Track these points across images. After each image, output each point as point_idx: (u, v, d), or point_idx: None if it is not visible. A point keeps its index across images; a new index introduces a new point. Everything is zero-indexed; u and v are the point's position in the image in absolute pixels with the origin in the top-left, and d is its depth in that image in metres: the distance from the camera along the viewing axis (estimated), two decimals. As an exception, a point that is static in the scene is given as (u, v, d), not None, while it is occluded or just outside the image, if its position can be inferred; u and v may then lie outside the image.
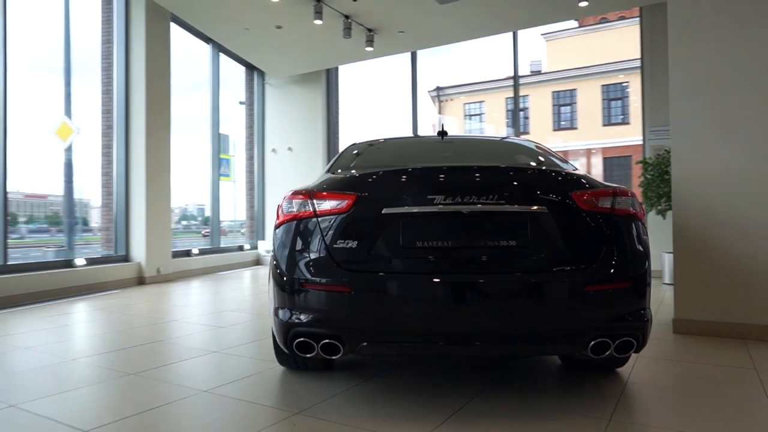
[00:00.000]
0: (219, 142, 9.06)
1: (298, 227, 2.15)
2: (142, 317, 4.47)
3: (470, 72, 19.59)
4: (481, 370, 2.76)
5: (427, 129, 12.33)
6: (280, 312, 2.12)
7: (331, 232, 2.08)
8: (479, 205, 2.04)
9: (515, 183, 2.12)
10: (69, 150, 6.26)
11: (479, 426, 2.01)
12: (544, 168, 2.29)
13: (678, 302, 3.74)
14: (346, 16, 6.98)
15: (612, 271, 2.04)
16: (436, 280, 2.02)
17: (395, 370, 2.74)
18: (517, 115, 10.01)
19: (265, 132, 10.29)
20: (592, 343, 1.99)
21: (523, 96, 16.32)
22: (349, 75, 10.44)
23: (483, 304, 2.03)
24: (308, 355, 2.09)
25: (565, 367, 2.77)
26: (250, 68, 10.01)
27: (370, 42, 7.65)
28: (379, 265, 2.06)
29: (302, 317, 2.06)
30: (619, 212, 2.11)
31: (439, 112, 17.43)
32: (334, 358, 2.19)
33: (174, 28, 7.39)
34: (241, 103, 10.47)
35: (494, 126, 17.12)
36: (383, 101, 14.02)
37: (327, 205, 2.12)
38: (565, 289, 2.00)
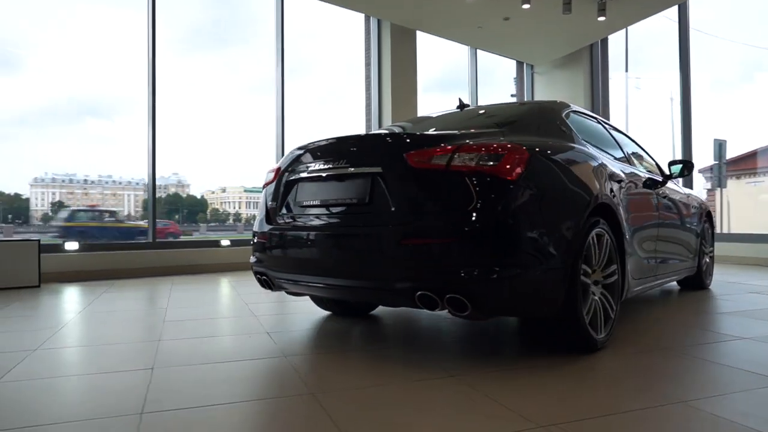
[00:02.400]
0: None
1: (263, 193, 2.97)
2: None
3: None
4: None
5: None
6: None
7: (268, 196, 2.83)
8: (333, 170, 2.42)
9: (361, 149, 2.37)
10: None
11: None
12: (387, 132, 2.39)
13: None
14: (559, -7, 6.80)
15: (433, 226, 2.07)
16: (307, 232, 2.49)
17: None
18: None
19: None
20: (418, 294, 2.11)
21: None
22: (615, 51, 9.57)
23: (334, 254, 2.38)
24: (264, 289, 2.86)
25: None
26: (520, 61, 10.44)
27: (602, 11, 7.13)
28: (283, 220, 2.68)
29: (252, 259, 2.88)
30: (455, 168, 2.08)
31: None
32: (273, 291, 2.88)
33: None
34: (512, 95, 11.01)
35: None
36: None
37: (269, 176, 2.88)
38: (390, 243, 2.14)
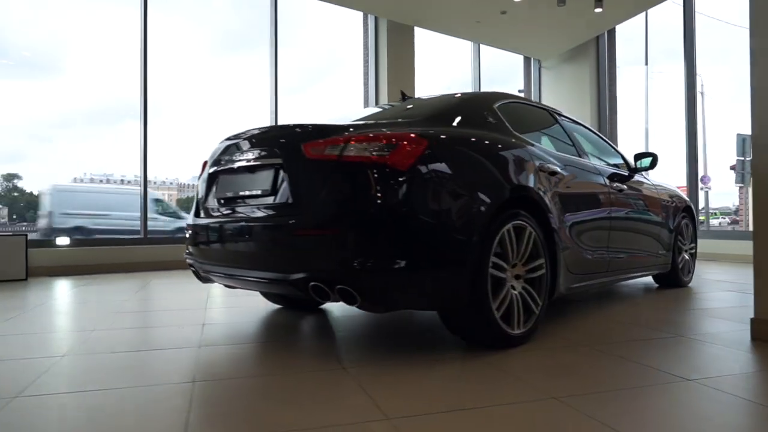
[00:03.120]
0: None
1: (197, 186, 2.99)
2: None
3: None
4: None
5: None
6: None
7: (199, 188, 2.85)
8: (244, 162, 2.42)
9: (268, 140, 2.36)
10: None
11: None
12: (291, 124, 2.36)
13: (759, 293, 2.50)
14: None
15: (320, 217, 2.04)
16: (222, 224, 2.47)
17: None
18: None
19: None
20: (311, 284, 2.10)
21: None
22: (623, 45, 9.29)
23: (242, 246, 2.37)
24: (198, 280, 2.88)
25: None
26: (528, 57, 10.26)
27: (598, 2, 6.94)
28: (207, 212, 2.68)
29: (185, 251, 2.90)
30: (347, 159, 2.06)
31: None
32: (204, 283, 2.89)
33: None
34: (520, 91, 10.82)
35: None
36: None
37: (202, 169, 2.90)
38: (286, 234, 2.12)
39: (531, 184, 2.50)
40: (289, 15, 7.90)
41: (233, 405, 1.65)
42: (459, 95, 2.80)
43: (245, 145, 2.48)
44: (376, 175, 2.02)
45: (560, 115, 3.45)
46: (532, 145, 2.73)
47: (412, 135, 2.12)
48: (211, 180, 2.69)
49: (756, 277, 2.51)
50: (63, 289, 4.49)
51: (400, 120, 2.50)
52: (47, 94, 6.92)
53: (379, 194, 2.01)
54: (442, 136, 2.24)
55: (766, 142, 2.45)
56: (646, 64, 10.70)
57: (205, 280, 2.75)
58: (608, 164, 3.62)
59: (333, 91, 9.38)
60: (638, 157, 3.78)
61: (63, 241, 5.85)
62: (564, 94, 9.65)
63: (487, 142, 2.42)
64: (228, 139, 2.66)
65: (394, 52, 8.23)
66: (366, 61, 8.67)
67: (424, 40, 9.13)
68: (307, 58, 8.87)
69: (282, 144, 2.28)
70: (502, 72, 10.51)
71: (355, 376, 1.94)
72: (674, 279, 4.23)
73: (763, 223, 2.47)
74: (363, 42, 8.69)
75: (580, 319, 3.02)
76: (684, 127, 8.25)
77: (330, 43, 8.83)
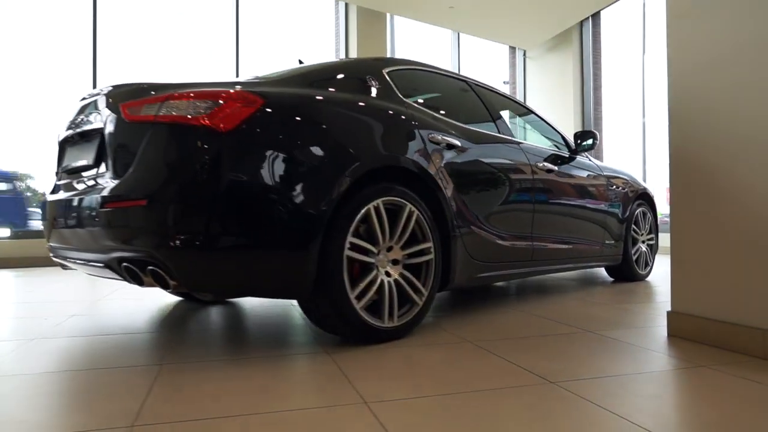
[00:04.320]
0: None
1: None
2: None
3: None
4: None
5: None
6: None
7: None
8: (81, 127, 2.10)
9: (97, 104, 2.03)
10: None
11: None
12: (118, 83, 2.05)
13: (675, 285, 2.16)
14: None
15: (130, 188, 1.74)
16: (61, 201, 2.13)
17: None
18: None
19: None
20: (124, 265, 1.81)
21: None
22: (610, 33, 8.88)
23: (71, 224, 2.04)
24: None
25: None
26: (512, 47, 9.90)
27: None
28: (55, 188, 2.35)
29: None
30: (162, 119, 1.74)
31: None
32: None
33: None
34: (505, 82, 10.46)
35: None
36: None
37: None
38: (101, 208, 1.81)
39: (412, 155, 2.18)
40: (254, 3, 7.63)
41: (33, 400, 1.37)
42: (347, 59, 2.48)
43: (88, 107, 2.16)
44: (191, 138, 1.72)
45: (484, 87, 3.12)
46: (424, 113, 2.41)
47: (244, 93, 1.82)
48: (62, 148, 2.38)
49: (672, 266, 2.17)
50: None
51: (269, 81, 2.17)
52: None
53: (193, 159, 1.71)
54: (286, 97, 1.93)
55: (682, 117, 2.11)
56: (644, 52, 10.29)
57: (63, 265, 2.46)
58: (542, 143, 3.29)
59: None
60: (579, 137, 3.44)
61: (3, 233, 5.63)
62: (548, 85, 9.28)
63: (350, 105, 2.10)
64: (83, 99, 2.33)
65: (365, 41, 7.92)
66: (336, 51, 8.37)
67: (404, 30, 8.84)
68: (276, 48, 8.59)
69: (104, 106, 1.98)
70: (488, 64, 10.16)
71: (181, 370, 1.64)
72: (627, 272, 3.87)
73: (679, 208, 2.12)
74: (335, 31, 8.41)
75: (493, 312, 2.69)
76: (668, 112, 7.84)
77: (300, 33, 8.54)
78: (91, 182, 1.98)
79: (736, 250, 1.89)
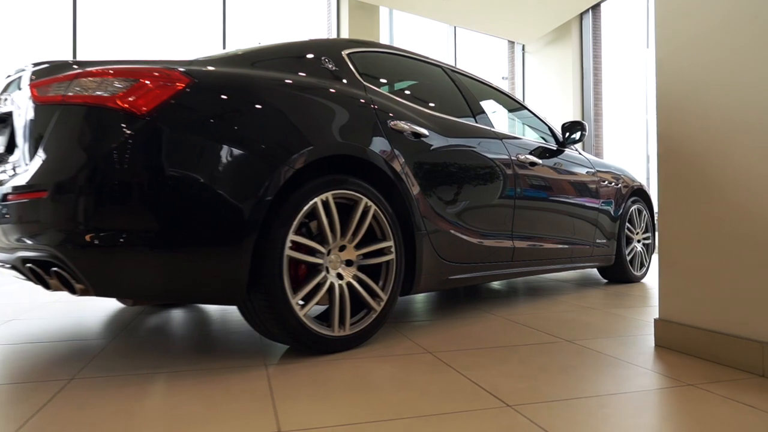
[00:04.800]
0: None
1: None
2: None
3: None
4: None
5: None
6: None
7: None
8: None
9: (11, 83, 1.81)
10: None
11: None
12: (38, 62, 1.82)
13: (663, 290, 1.93)
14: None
15: (32, 178, 1.53)
16: None
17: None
18: None
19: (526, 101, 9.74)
20: (27, 266, 1.59)
21: None
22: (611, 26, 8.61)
23: None
24: None
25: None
26: (511, 41, 9.66)
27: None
28: None
29: None
30: (70, 101, 1.52)
31: None
32: None
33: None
34: (503, 78, 10.21)
35: None
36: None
37: None
38: (6, 201, 1.60)
39: (369, 144, 1.95)
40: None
41: None
42: (305, 39, 2.26)
43: (8, 87, 1.93)
44: (101, 121, 1.50)
45: (463, 75, 2.89)
46: (388, 99, 2.18)
47: (166, 71, 1.59)
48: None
49: (660, 268, 1.93)
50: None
51: (206, 61, 1.94)
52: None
53: (102, 146, 1.49)
54: (218, 76, 1.70)
55: (670, 96, 1.87)
56: (648, 47, 10.01)
57: None
58: (527, 135, 3.05)
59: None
60: (567, 129, 3.20)
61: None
62: (547, 80, 9.03)
63: (294, 87, 1.86)
64: (7, 77, 2.10)
65: (357, 35, 7.70)
66: (328, 44, 8.15)
67: (404, 27, 8.62)
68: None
69: (18, 86, 1.76)
70: (486, 60, 9.91)
71: (47, 391, 1.42)
72: (621, 273, 3.62)
73: (667, 202, 1.89)
74: (327, 26, 8.19)
75: (467, 317, 2.46)
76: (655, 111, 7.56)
77: (291, 28, 8.33)
78: (2, 173, 1.77)
79: (733, 251, 1.65)
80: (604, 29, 8.60)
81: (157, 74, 1.57)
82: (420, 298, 3.07)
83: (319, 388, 1.46)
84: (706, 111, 1.73)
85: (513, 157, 2.67)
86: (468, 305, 2.82)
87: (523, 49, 9.65)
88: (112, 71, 1.55)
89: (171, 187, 1.51)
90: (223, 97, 1.65)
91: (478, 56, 9.69)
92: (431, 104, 2.48)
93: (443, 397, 1.39)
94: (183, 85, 1.58)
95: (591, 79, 8.43)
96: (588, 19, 8.41)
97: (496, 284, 3.69)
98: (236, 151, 1.61)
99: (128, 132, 1.49)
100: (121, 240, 1.47)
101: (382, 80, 2.37)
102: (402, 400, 1.36)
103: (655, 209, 3.96)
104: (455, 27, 8.88)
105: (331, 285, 1.82)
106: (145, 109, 1.51)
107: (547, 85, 9.04)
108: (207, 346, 1.99)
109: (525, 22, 8.34)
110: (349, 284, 1.87)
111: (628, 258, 3.63)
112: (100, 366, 1.69)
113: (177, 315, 2.61)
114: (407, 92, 2.48)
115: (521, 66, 9.70)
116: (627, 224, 3.61)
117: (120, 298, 1.63)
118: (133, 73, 1.55)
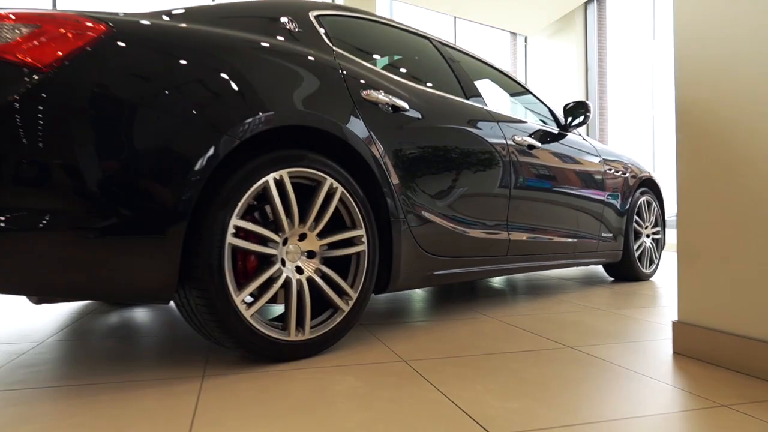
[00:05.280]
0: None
1: None
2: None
3: None
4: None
5: None
6: None
7: None
8: None
9: None
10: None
11: None
12: None
13: (683, 287, 1.62)
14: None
15: None
16: None
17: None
18: None
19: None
20: None
21: None
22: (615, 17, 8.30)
23: None
24: None
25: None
26: (513, 33, 9.37)
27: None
28: None
29: None
30: None
31: None
32: None
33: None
34: (505, 71, 9.91)
35: None
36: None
37: None
38: None
39: (334, 115, 1.66)
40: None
41: None
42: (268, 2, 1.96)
43: None
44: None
45: (453, 48, 2.60)
46: (361, 66, 1.89)
47: (76, 17, 1.30)
48: None
49: (680, 262, 1.63)
50: None
51: (156, 14, 1.65)
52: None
53: None
54: (144, 27, 1.41)
55: (692, 53, 1.56)
56: (654, 38, 9.66)
57: None
58: (526, 117, 2.75)
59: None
60: (569, 111, 2.90)
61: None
62: (551, 73, 8.73)
63: (240, 46, 1.56)
64: None
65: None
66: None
67: (402, 16, 8.33)
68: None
69: None
70: (488, 52, 9.61)
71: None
72: (629, 271, 3.32)
73: (688, 183, 1.58)
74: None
75: (457, 318, 2.16)
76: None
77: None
78: None
79: (771, 239, 1.35)
80: (609, 20, 8.29)
81: (63, 21, 1.28)
82: (403, 297, 2.77)
83: (258, 408, 1.17)
84: (737, 71, 1.43)
85: (509, 140, 2.37)
86: (458, 305, 2.52)
87: (526, 41, 9.35)
88: (13, 16, 1.26)
89: (75, 157, 1.21)
90: (148, 51, 1.36)
91: (479, 49, 9.39)
92: (415, 77, 2.18)
93: (409, 421, 1.09)
94: (96, 34, 1.29)
95: (596, 71, 8.12)
96: (593, 10, 8.10)
97: (492, 282, 3.39)
98: (162, 118, 1.31)
99: (21, 89, 1.20)
100: (2, 222, 1.17)
101: (359, 49, 2.07)
102: (357, 425, 1.07)
103: (666, 202, 3.66)
104: (455, 18, 8.59)
105: (287, 280, 1.53)
106: (45, 60, 1.22)
107: (550, 78, 8.74)
108: (147, 352, 1.70)
109: (527, 13, 8.06)
110: (310, 279, 1.58)
111: (637, 254, 3.33)
112: (19, 379, 1.41)
113: (138, 315, 2.32)
114: (388, 62, 2.19)
115: (524, 58, 9.42)
116: (635, 217, 3.31)
117: (14, 294, 1.33)
118: (33, 18, 1.26)
